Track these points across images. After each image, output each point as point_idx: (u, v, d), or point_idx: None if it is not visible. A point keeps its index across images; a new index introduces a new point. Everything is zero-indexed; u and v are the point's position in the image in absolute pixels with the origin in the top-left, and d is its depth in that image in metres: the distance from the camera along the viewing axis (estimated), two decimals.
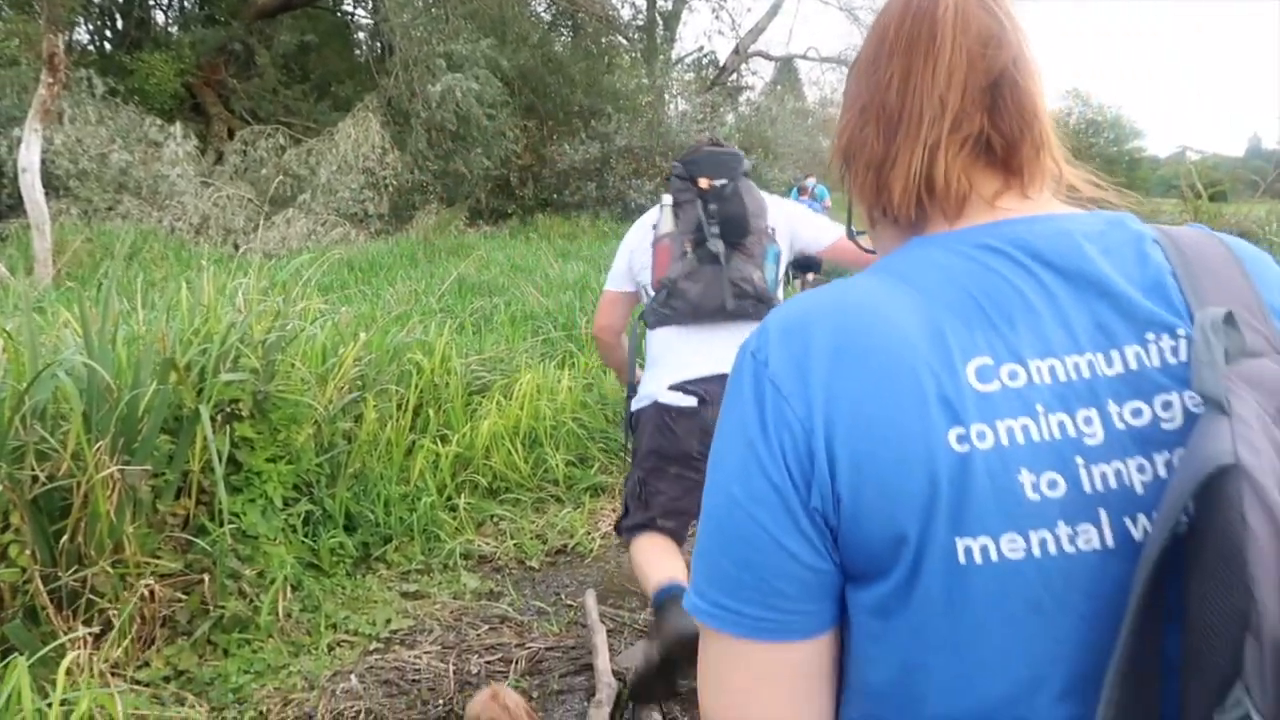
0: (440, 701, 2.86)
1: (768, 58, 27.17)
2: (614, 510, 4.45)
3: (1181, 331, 0.65)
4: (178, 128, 13.66)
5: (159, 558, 2.94)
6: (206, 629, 2.94)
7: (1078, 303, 0.67)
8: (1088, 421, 0.63)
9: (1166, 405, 0.64)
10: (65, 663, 2.33)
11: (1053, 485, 0.62)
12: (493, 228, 16.04)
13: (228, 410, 3.34)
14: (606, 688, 2.76)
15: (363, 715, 2.73)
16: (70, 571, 2.71)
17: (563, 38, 21.84)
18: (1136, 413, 0.64)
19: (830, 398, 0.65)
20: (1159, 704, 0.57)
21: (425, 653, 3.11)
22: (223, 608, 2.99)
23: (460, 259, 9.75)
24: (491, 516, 4.23)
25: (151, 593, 2.84)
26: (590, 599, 3.42)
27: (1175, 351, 0.65)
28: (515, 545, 4.01)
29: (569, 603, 3.57)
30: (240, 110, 17.05)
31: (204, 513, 3.17)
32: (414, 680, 2.95)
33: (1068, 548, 0.62)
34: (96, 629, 2.70)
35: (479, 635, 3.27)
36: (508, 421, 4.60)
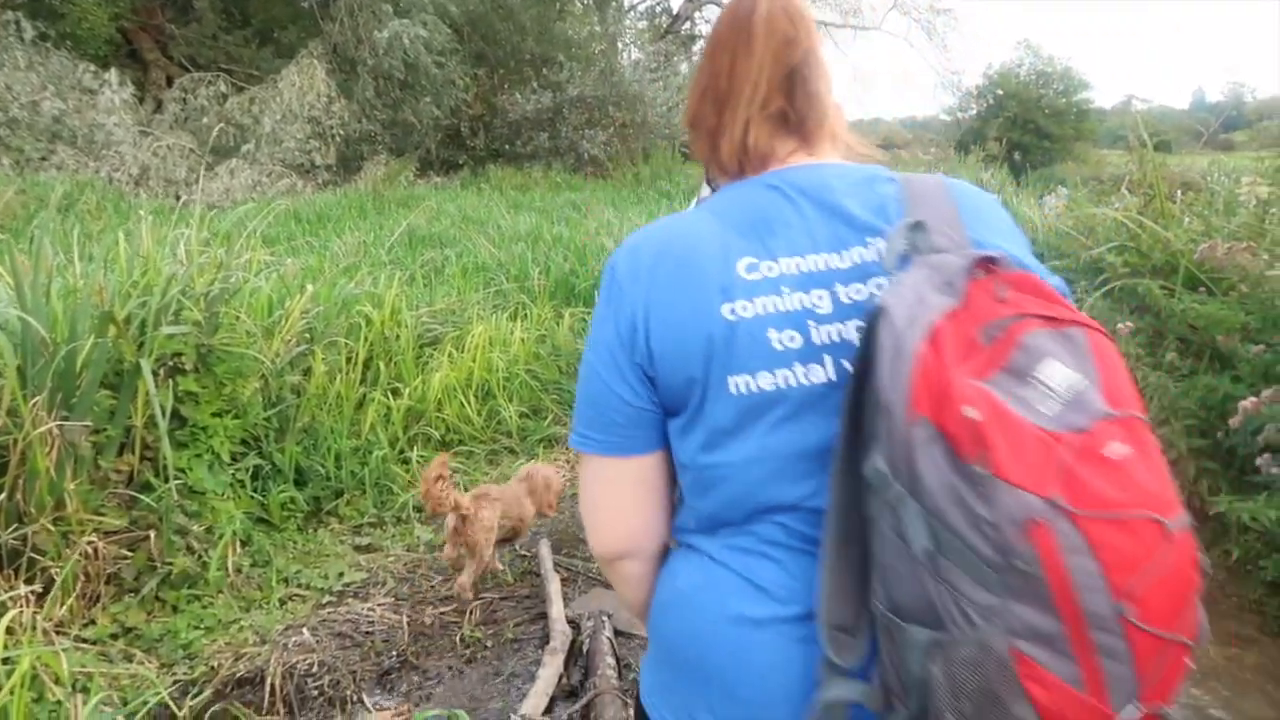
0: (394, 652, 2.86)
1: (721, 4, 26.82)
2: (568, 461, 4.45)
3: (907, 237, 0.91)
4: (113, 75, 13.12)
5: (102, 515, 2.88)
6: (154, 586, 2.90)
7: (821, 220, 0.98)
8: (820, 298, 0.95)
9: (879, 285, 0.94)
10: (5, 620, 2.28)
11: (792, 339, 0.94)
12: (444, 179, 15.74)
13: (170, 364, 3.27)
14: (560, 635, 2.79)
15: (316, 667, 2.72)
16: (9, 530, 2.65)
17: None
18: (858, 291, 0.95)
19: (650, 289, 0.98)
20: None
21: (379, 604, 3.10)
22: (170, 564, 2.95)
23: (410, 210, 9.56)
24: None
25: (95, 550, 2.78)
26: (544, 549, 3.44)
27: (899, 249, 0.91)
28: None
29: (523, 553, 3.58)
30: (179, 57, 16.44)
31: (149, 469, 3.11)
32: (367, 632, 2.95)
33: (803, 381, 0.94)
34: (38, 587, 2.65)
35: (433, 586, 3.27)
36: (460, 374, 4.56)
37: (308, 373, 3.99)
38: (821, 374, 0.94)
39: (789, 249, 0.97)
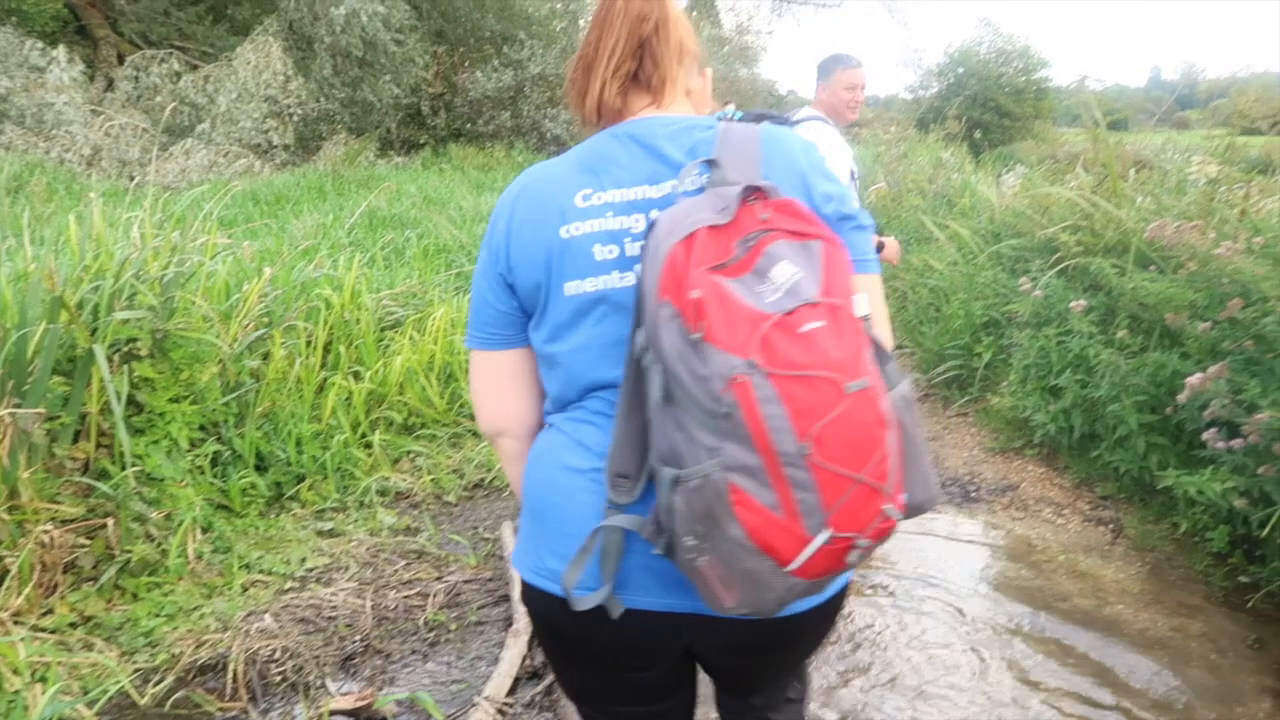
0: (358, 637, 2.86)
1: None
2: None
3: (702, 174, 1.16)
4: (61, 51, 12.78)
5: (58, 503, 2.85)
6: (113, 574, 2.88)
7: (643, 159, 1.23)
8: (636, 220, 1.19)
9: (695, 199, 1.11)
10: None
11: (611, 252, 1.19)
12: (405, 158, 15.56)
13: (125, 350, 3.22)
14: (523, 617, 2.81)
15: (279, 653, 2.72)
16: None
17: None
18: (671, 205, 1.13)
19: (510, 218, 1.25)
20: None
21: (342, 589, 3.10)
22: (129, 552, 2.93)
23: (370, 191, 9.44)
24: (407, 453, 4.20)
25: (51, 539, 2.75)
26: (506, 531, 3.45)
27: (695, 182, 1.16)
28: (432, 481, 4.00)
29: (486, 536, 3.59)
30: (130, 34, 16.04)
31: (106, 456, 3.07)
32: (330, 617, 2.95)
33: (618, 285, 1.19)
34: None
35: (396, 571, 3.27)
36: (421, 357, 4.54)
37: (267, 357, 3.95)
38: (632, 279, 1.18)
39: (615, 183, 1.22)
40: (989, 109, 24.45)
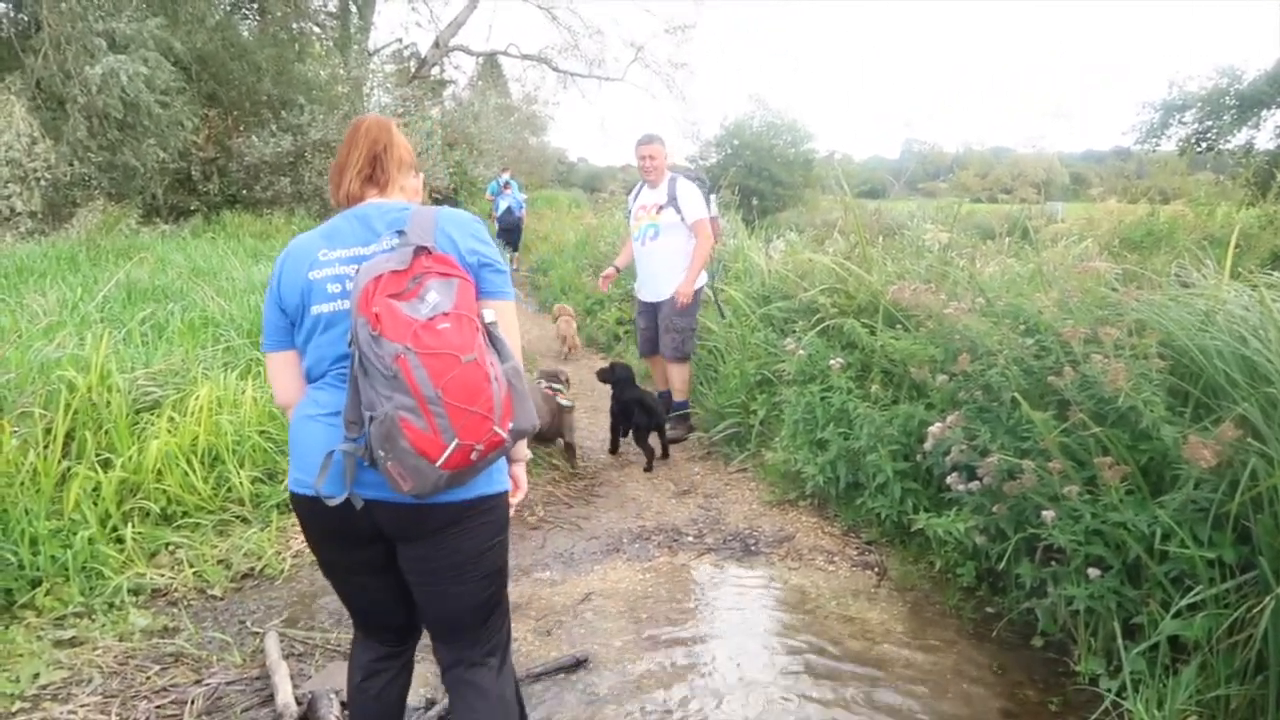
0: None
1: (469, 52, 26.88)
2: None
3: (395, 240, 1.95)
4: None
5: None
6: None
7: (361, 230, 2.01)
8: (353, 269, 1.94)
9: (384, 255, 1.89)
10: None
11: (337, 288, 1.96)
12: (173, 226, 14.59)
13: None
14: (289, 718, 2.64)
15: None
16: None
17: (247, 21, 20.33)
18: (372, 259, 1.90)
19: (281, 267, 2.03)
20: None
21: (82, 705, 2.80)
22: None
23: (131, 261, 8.79)
24: (167, 545, 3.88)
25: None
26: (270, 641, 3.21)
27: (390, 243, 1.96)
28: (195, 574, 3.72)
29: (256, 630, 3.37)
30: None
31: None
32: None
33: (341, 308, 1.95)
34: None
35: (148, 678, 2.99)
36: (183, 440, 4.22)
37: None
38: (347, 304, 1.95)
39: (342, 244, 2.02)
40: (763, 178, 26.02)
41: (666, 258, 5.76)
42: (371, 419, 1.76)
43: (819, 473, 4.46)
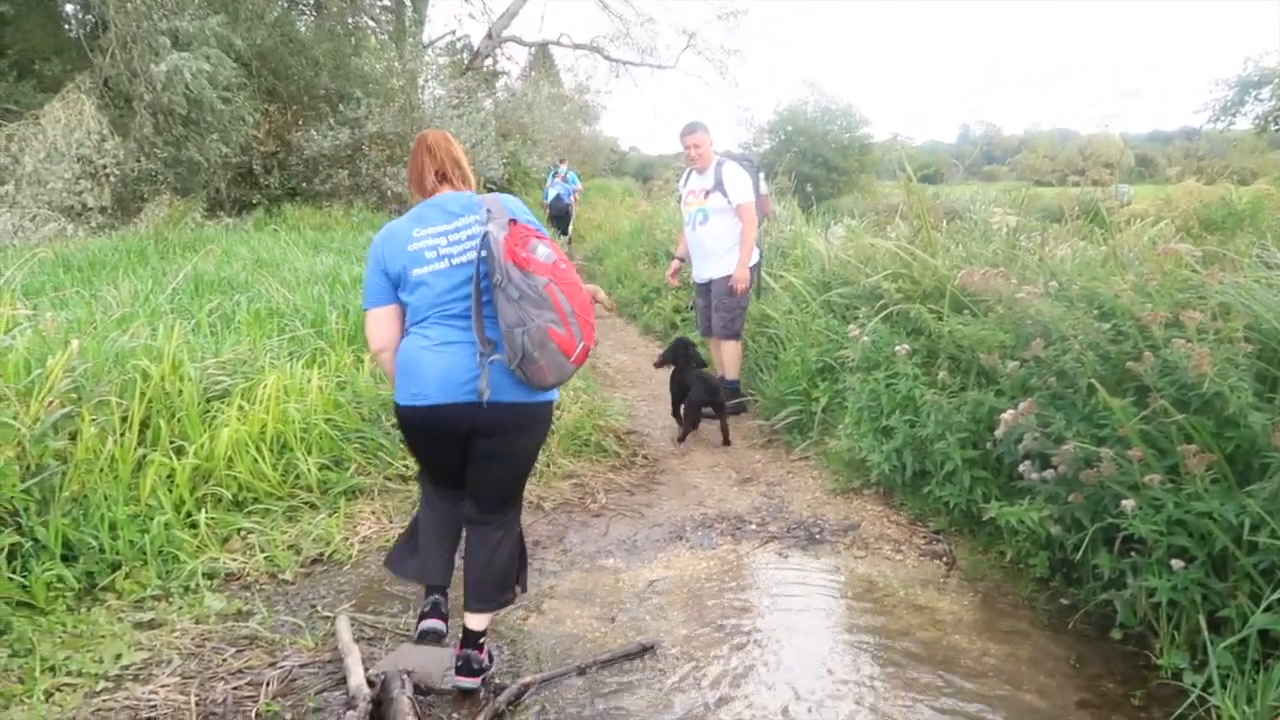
0: None
1: (521, 43, 27.00)
2: (374, 513, 4.29)
3: (476, 216, 2.77)
4: None
5: None
6: None
7: (442, 215, 2.80)
8: (442, 240, 2.75)
9: (472, 235, 2.74)
10: None
11: (434, 254, 2.74)
12: (236, 219, 14.91)
13: None
14: (362, 701, 2.66)
15: None
16: None
17: (304, 17, 20.64)
18: (459, 236, 2.76)
19: (384, 243, 2.80)
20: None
21: (162, 686, 2.86)
22: None
23: (197, 254, 8.99)
24: (239, 530, 3.95)
25: None
26: (342, 624, 3.24)
27: (472, 223, 2.77)
28: (266, 559, 3.78)
29: (326, 614, 3.41)
30: None
31: None
32: (149, 718, 2.71)
33: (439, 269, 2.73)
34: None
35: (224, 660, 3.05)
36: (252, 428, 4.30)
37: (75, 436, 3.65)
38: (444, 265, 2.72)
39: (430, 224, 2.77)
40: (818, 164, 25.73)
41: (716, 240, 5.95)
42: (524, 331, 2.54)
43: (884, 460, 4.39)
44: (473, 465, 2.85)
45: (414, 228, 2.74)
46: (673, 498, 4.79)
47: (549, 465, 5.03)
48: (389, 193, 16.85)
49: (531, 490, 4.64)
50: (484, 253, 2.59)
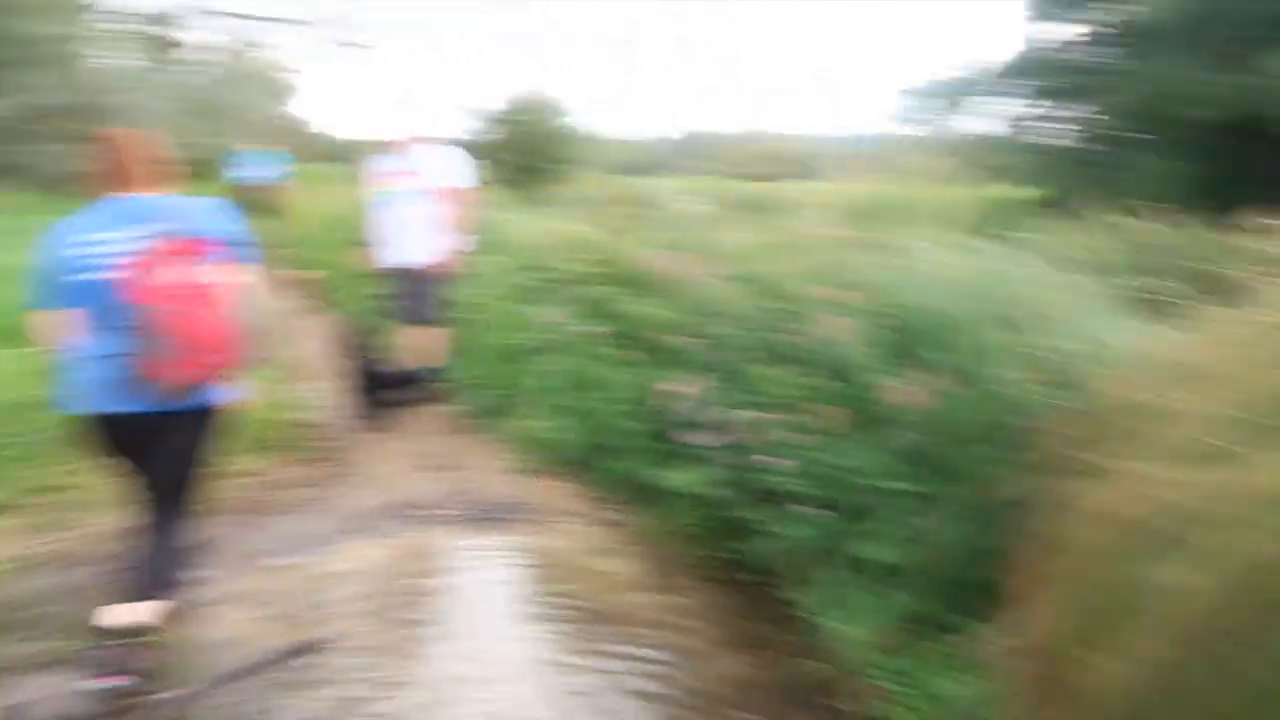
0: None
1: (211, 13, 24.97)
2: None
3: (141, 229, 2.70)
4: None
5: None
6: None
7: (123, 218, 2.75)
8: (112, 246, 2.69)
9: (140, 239, 2.67)
10: None
11: (95, 263, 2.69)
12: None
13: None
14: None
15: None
16: None
17: None
18: (130, 241, 2.68)
19: (46, 244, 2.77)
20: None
21: None
22: None
23: None
24: None
25: None
26: None
27: (135, 235, 2.69)
28: None
29: None
30: None
31: None
32: None
33: (99, 278, 2.67)
34: None
35: None
36: None
37: None
38: (102, 276, 2.65)
39: (109, 229, 2.71)
40: (529, 153, 25.94)
41: (419, 225, 5.69)
42: (130, 358, 2.64)
43: (568, 439, 4.48)
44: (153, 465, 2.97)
45: (85, 229, 2.76)
46: (361, 489, 4.60)
47: (230, 464, 4.66)
48: (55, 174, 14.95)
49: (210, 490, 4.27)
50: (116, 274, 2.65)
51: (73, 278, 2.70)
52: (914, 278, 3.71)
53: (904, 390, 3.11)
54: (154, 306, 2.60)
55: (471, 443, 5.34)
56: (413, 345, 6.06)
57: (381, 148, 6.08)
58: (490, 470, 4.86)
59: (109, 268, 2.66)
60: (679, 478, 3.65)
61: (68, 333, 2.75)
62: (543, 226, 7.34)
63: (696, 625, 3.25)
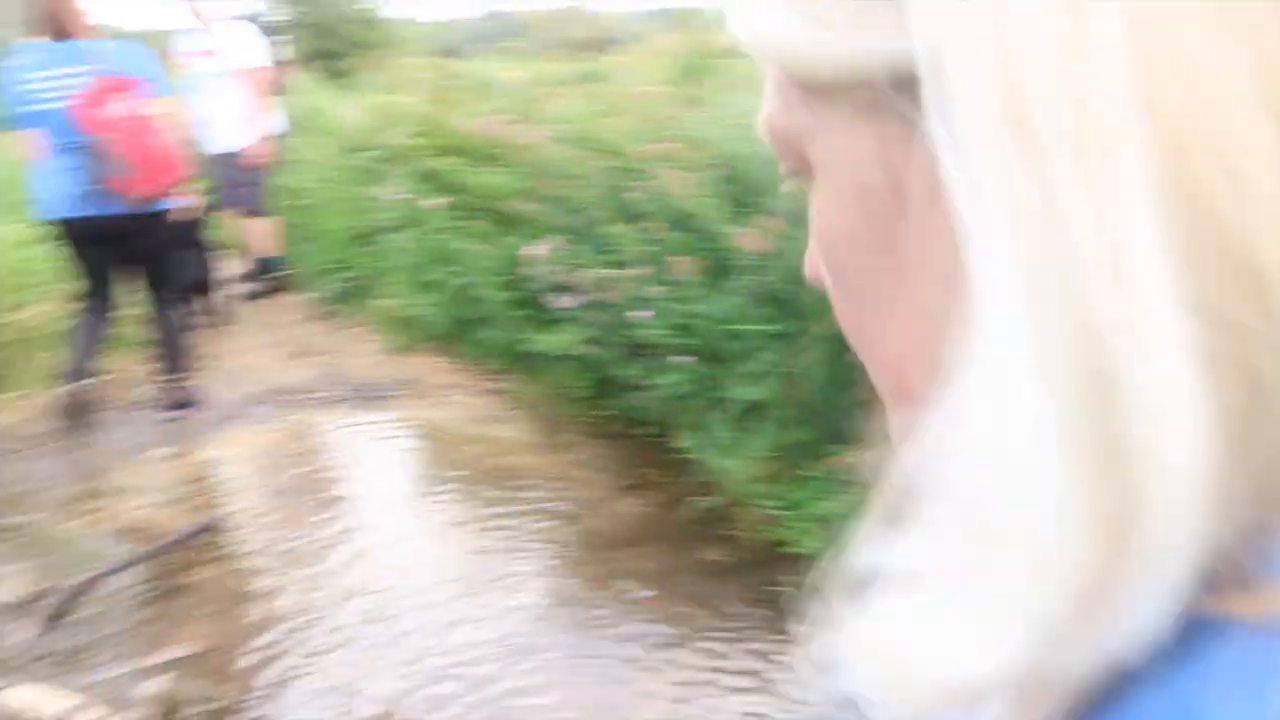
0: None
1: None
2: None
3: (83, 67, 3.49)
4: None
5: None
6: None
7: (64, 58, 3.50)
8: (64, 82, 3.46)
9: (73, 84, 3.47)
10: None
11: (50, 94, 3.47)
12: None
13: None
14: None
15: None
16: None
17: None
18: (68, 86, 3.47)
19: (10, 75, 3.57)
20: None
21: None
22: None
23: None
24: None
25: None
26: None
27: (78, 72, 3.51)
28: None
29: None
30: None
31: None
32: None
33: (49, 108, 3.50)
34: None
35: None
36: None
37: None
38: (50, 106, 3.46)
39: (53, 66, 3.48)
40: (334, 38, 24.39)
41: (224, 108, 5.39)
42: (87, 173, 3.47)
43: (432, 314, 4.58)
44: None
45: (38, 65, 3.51)
46: (221, 380, 4.56)
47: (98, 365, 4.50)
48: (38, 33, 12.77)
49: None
50: (66, 104, 3.42)
51: (29, 108, 3.50)
52: (736, 130, 3.96)
53: (745, 237, 3.39)
54: (103, 135, 3.42)
55: (332, 328, 5.34)
56: (246, 235, 5.87)
57: (179, 28, 5.69)
58: (358, 353, 4.91)
59: (59, 99, 3.44)
60: (550, 340, 3.86)
61: (34, 151, 3.58)
62: (363, 104, 7.13)
63: (588, 476, 3.52)
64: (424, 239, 4.63)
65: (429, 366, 4.68)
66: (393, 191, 4.86)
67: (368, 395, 4.33)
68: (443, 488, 3.44)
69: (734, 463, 3.23)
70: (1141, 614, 0.21)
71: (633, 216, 3.84)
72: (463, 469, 3.58)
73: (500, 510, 3.27)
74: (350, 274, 5.49)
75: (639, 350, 3.75)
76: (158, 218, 3.79)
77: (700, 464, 3.39)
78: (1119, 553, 0.21)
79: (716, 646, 2.58)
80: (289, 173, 6.34)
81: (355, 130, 6.52)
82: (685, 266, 3.46)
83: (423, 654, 2.52)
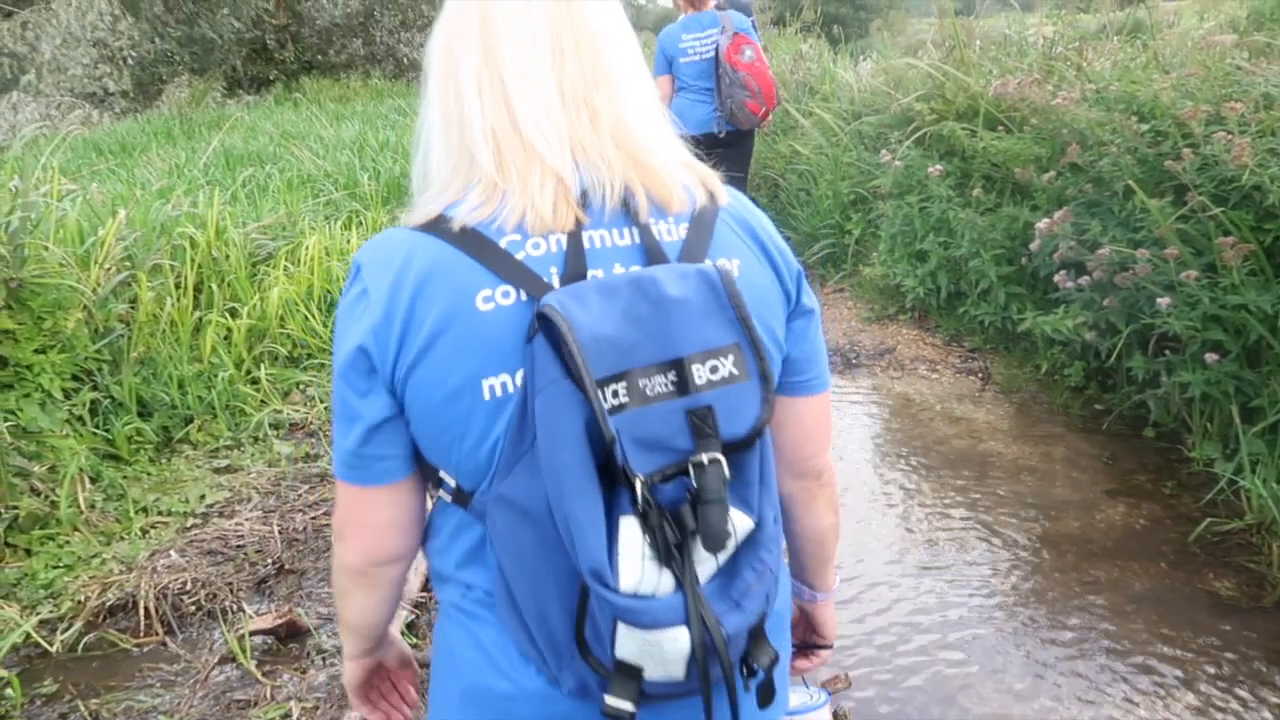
0: (269, 561, 2.87)
1: None
2: None
3: (716, 30, 4.66)
4: None
5: None
6: (0, 532, 2.79)
7: (697, 26, 4.75)
8: (698, 43, 4.77)
9: (712, 41, 4.67)
10: None
11: (692, 51, 4.75)
12: (255, 97, 14.76)
13: None
14: None
15: (190, 585, 2.71)
16: None
17: None
18: (709, 42, 4.69)
19: (665, 36, 4.86)
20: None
21: (246, 519, 3.08)
22: (15, 507, 2.84)
23: (222, 130, 8.99)
24: (297, 384, 4.13)
25: None
26: None
27: (713, 34, 4.70)
28: (326, 408, 3.96)
29: None
30: None
31: None
32: (238, 546, 2.94)
33: (694, 59, 4.72)
34: None
35: (300, 495, 3.26)
36: (299, 287, 4.43)
37: (135, 301, 3.80)
38: (696, 58, 4.73)
39: (690, 31, 4.75)
40: (844, 2, 24.65)
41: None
42: (731, 100, 4.67)
43: (919, 284, 4.43)
44: None
45: (682, 32, 4.60)
46: None
47: None
48: (405, 60, 16.49)
49: None
50: (714, 53, 4.52)
51: (683, 59, 4.69)
52: None
53: None
54: (744, 72, 4.53)
55: (816, 292, 5.44)
56: None
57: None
58: (836, 319, 4.95)
59: (704, 52, 4.64)
60: (1049, 320, 3.51)
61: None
62: (872, 69, 7.07)
63: (1068, 474, 3.17)
64: (921, 206, 4.46)
65: (906, 338, 4.54)
66: (894, 157, 4.74)
67: (841, 361, 4.32)
68: (905, 466, 3.31)
69: (1268, 486, 2.68)
70: None
71: (1170, 189, 3.31)
72: (929, 449, 3.42)
73: (962, 500, 3.06)
74: (840, 240, 5.51)
75: (1156, 342, 3.26)
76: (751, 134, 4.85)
77: (1216, 479, 2.87)
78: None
79: (1214, 694, 2.16)
80: (790, 138, 6.53)
81: (859, 93, 6.50)
82: (1233, 249, 2.90)
83: (873, 632, 2.46)
